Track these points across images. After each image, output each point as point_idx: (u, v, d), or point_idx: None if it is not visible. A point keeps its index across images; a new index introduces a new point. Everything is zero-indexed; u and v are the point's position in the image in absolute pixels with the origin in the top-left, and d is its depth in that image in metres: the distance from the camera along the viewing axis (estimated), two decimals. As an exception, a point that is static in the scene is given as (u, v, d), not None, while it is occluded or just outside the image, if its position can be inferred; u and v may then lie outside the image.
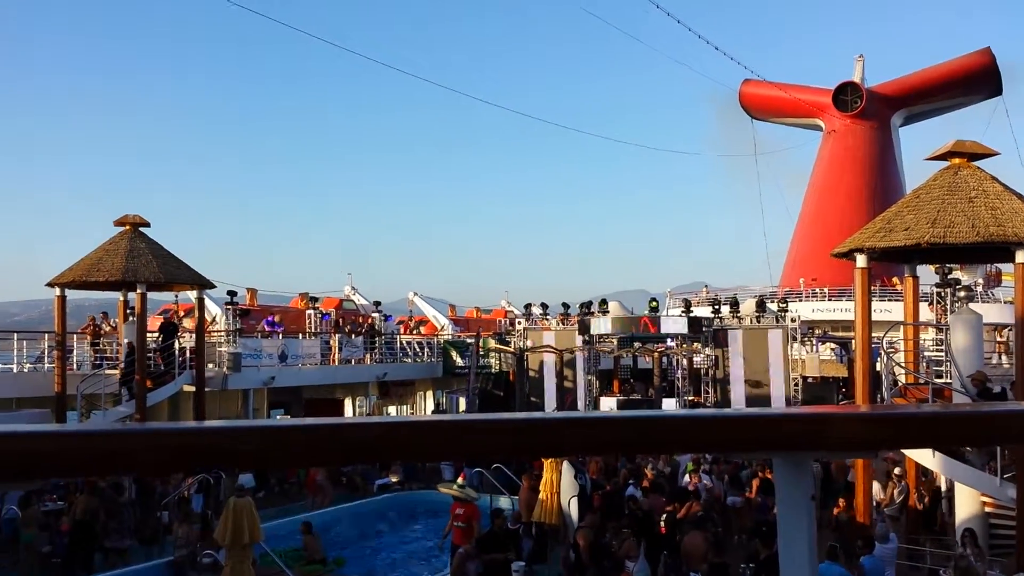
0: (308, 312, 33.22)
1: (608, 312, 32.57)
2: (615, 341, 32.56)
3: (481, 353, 34.40)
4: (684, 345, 31.69)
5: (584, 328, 31.11)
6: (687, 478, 17.78)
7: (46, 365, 23.76)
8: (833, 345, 33.98)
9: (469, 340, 34.67)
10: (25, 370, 23.96)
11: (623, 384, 33.22)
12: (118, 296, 23.98)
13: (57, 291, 21.82)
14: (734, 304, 30.93)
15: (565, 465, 15.14)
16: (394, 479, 23.71)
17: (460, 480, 17.45)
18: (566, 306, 35.24)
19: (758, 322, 29.62)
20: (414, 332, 39.24)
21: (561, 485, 15.12)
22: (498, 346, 35.51)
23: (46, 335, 24.93)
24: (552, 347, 31.60)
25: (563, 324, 33.40)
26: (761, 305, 31.38)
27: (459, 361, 34.24)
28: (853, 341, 19.91)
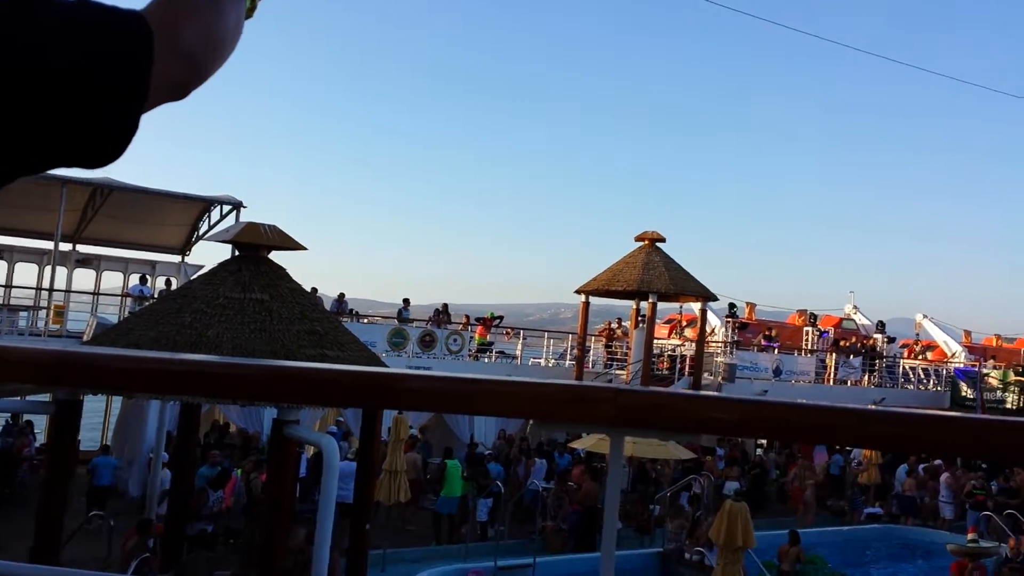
0: (805, 329, 32.74)
1: None
2: None
3: (998, 386, 30.55)
4: None
5: None
6: None
7: (567, 362, 27.09)
8: None
9: (986, 371, 31.03)
10: (551, 365, 27.60)
11: None
12: (628, 303, 26.42)
13: (583, 298, 24.83)
14: None
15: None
16: (884, 510, 22.42)
17: (970, 535, 15.84)
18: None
19: None
20: (919, 357, 36.26)
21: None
22: (1021, 378, 31.18)
23: (569, 335, 28.43)
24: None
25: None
26: None
27: (970, 393, 30.83)
28: None
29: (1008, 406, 30.77)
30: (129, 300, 21.76)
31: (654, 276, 22.91)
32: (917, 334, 39.13)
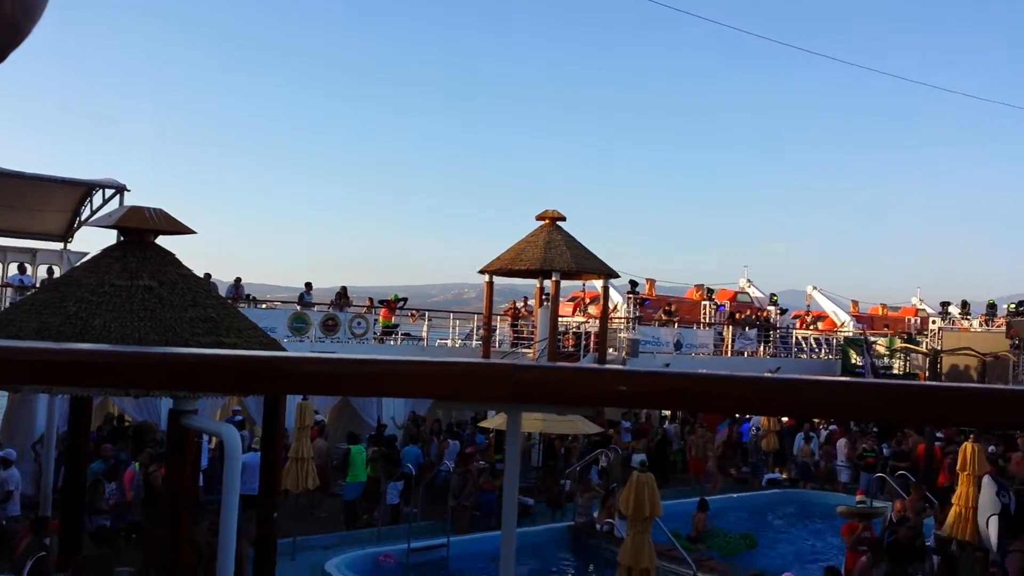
0: (703, 303, 33.70)
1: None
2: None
3: (886, 353, 32.18)
4: None
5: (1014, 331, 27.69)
6: None
7: (474, 342, 27.13)
8: None
9: (873, 338, 32.63)
10: (457, 345, 27.59)
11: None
12: (532, 282, 26.58)
13: (486, 278, 24.83)
14: None
15: (986, 480, 13.79)
16: (784, 476, 23.36)
17: (859, 496, 16.62)
18: (992, 306, 31.55)
19: None
20: (811, 327, 37.87)
21: (980, 501, 13.79)
22: (906, 345, 32.94)
23: (475, 315, 28.45)
24: (973, 350, 28.59)
25: (986, 325, 30.00)
26: None
27: (859, 361, 32.42)
28: None
29: (895, 372, 32.47)
30: (9, 290, 20.67)
31: (556, 255, 23.05)
32: (808, 305, 40.82)
